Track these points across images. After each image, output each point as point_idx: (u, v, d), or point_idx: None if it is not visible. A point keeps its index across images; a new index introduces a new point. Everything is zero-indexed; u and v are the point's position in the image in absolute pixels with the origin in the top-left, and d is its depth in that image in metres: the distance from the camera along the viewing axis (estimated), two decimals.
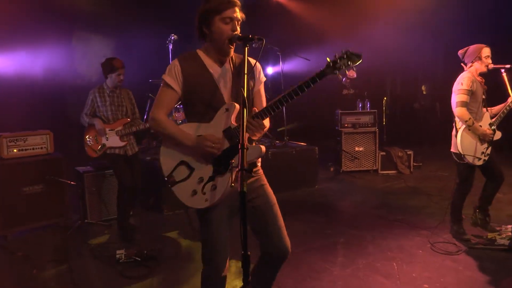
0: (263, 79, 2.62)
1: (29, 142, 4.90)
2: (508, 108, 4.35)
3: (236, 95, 2.43)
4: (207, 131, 2.38)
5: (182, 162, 2.43)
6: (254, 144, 2.44)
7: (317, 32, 9.71)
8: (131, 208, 4.99)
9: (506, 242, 4.18)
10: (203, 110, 2.42)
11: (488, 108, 4.44)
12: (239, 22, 2.38)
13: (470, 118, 4.17)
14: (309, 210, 5.73)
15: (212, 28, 2.35)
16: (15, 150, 4.80)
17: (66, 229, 5.01)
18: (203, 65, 2.44)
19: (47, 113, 6.16)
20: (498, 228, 4.58)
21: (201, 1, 2.43)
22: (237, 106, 2.36)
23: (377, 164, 7.62)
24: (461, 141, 4.24)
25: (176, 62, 2.45)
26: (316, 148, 6.77)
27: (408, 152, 7.57)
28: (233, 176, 2.28)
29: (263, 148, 2.32)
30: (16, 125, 5.18)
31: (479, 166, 4.34)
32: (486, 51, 4.25)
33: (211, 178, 2.35)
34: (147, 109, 6.68)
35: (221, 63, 2.48)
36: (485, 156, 4.29)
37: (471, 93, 4.20)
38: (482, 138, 4.26)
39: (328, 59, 2.22)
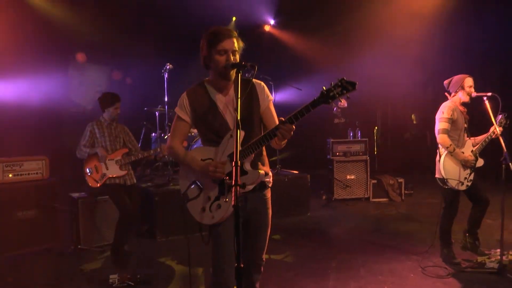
0: (270, 98, 2.75)
1: (25, 167, 4.97)
2: (489, 137, 4.51)
3: (242, 121, 2.46)
4: (216, 155, 2.61)
5: (193, 182, 2.68)
6: (258, 168, 2.61)
7: (308, 62, 10.02)
8: (127, 235, 5.02)
9: (496, 265, 4.24)
10: (211, 136, 2.66)
11: (472, 138, 4.62)
12: (237, 52, 2.55)
13: (451, 145, 4.37)
14: (301, 236, 5.77)
15: (211, 60, 2.56)
16: (10, 175, 4.86)
17: (58, 254, 5.01)
18: (208, 95, 2.66)
19: (45, 139, 6.25)
20: (487, 252, 4.66)
21: (201, 33, 2.62)
22: (241, 133, 2.48)
23: (368, 192, 7.71)
24: (443, 166, 4.42)
25: (184, 95, 2.71)
26: (308, 175, 6.87)
27: (399, 180, 7.68)
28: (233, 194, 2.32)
29: (262, 173, 2.54)
30: (14, 150, 5.25)
31: (463, 191, 4.49)
32: (468, 81, 4.47)
33: (217, 198, 2.59)
34: (141, 137, 6.79)
35: (226, 91, 2.67)
36: (467, 181, 4.44)
37: (451, 121, 4.41)
38: (464, 164, 4.43)
39: (324, 88, 2.30)
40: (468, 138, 4.56)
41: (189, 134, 7.08)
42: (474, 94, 4.48)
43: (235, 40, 2.54)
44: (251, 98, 2.65)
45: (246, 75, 2.67)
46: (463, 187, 4.44)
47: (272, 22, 10.56)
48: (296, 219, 6.57)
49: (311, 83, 9.49)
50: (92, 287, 4.16)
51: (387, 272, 4.34)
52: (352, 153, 7.70)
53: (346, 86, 2.26)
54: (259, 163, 2.66)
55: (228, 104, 2.65)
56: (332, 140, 7.73)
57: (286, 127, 2.36)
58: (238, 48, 2.57)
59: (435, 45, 9.02)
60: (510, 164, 4.13)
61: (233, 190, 1.99)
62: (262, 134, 2.49)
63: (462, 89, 4.45)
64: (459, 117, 4.44)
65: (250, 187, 2.59)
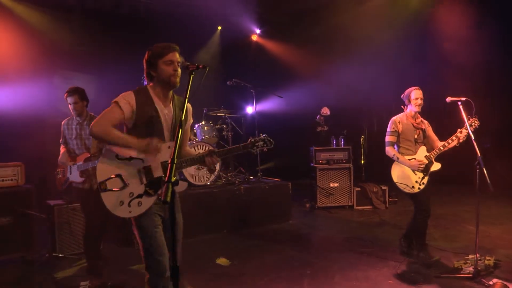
0: (191, 121, 3.16)
1: None
2: (445, 145, 4.65)
3: (173, 133, 2.90)
4: (148, 156, 2.82)
5: (118, 176, 2.80)
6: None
7: (292, 71, 10.07)
8: (99, 241, 4.94)
9: (472, 270, 4.22)
10: (143, 137, 2.80)
11: (442, 142, 4.74)
12: (179, 64, 2.83)
13: (394, 155, 4.74)
14: (279, 243, 5.72)
15: (158, 70, 2.81)
16: None
17: (33, 262, 4.94)
18: (153, 103, 2.86)
19: (22, 145, 6.20)
20: (466, 258, 4.64)
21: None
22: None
23: (352, 199, 7.69)
24: (393, 171, 4.76)
25: (131, 92, 2.86)
26: (289, 183, 6.85)
27: (383, 188, 7.67)
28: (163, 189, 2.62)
29: (186, 184, 2.94)
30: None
31: (409, 196, 4.70)
32: (415, 93, 4.74)
33: (140, 196, 2.79)
34: None
35: (165, 103, 2.91)
36: (420, 184, 4.65)
37: (396, 133, 4.78)
38: (412, 169, 4.66)
39: (250, 138, 3.01)
40: (421, 145, 4.80)
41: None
42: (449, 99, 4.55)
43: (177, 54, 2.84)
44: (184, 116, 2.92)
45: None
46: (415, 190, 4.63)
47: (258, 31, 10.63)
48: (277, 227, 6.53)
49: (297, 91, 9.58)
50: None
51: (362, 278, 4.31)
52: (336, 161, 7.69)
53: (267, 142, 3.03)
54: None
55: (166, 116, 2.90)
56: (315, 148, 7.72)
57: (214, 159, 2.86)
58: (180, 61, 2.86)
59: (415, 54, 9.15)
60: (483, 168, 4.14)
61: (164, 187, 2.04)
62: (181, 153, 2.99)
63: (409, 102, 4.78)
64: (406, 129, 4.76)
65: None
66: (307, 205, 7.81)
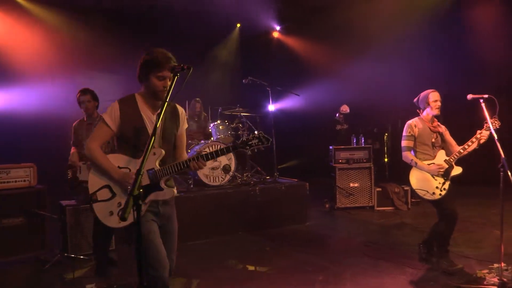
0: (185, 126, 3.04)
1: (11, 174, 4.95)
2: (465, 147, 4.38)
3: (163, 140, 2.83)
4: (134, 166, 2.75)
5: (106, 186, 2.78)
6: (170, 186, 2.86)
7: (313, 67, 9.85)
8: (108, 242, 4.93)
9: (496, 281, 3.93)
10: (130, 147, 2.79)
11: (461, 146, 4.49)
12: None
13: (412, 160, 4.47)
14: (293, 246, 5.54)
15: (149, 81, 2.73)
16: None
17: (45, 262, 4.96)
18: (138, 110, 2.79)
19: (38, 147, 6.29)
20: (490, 266, 4.34)
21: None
22: (163, 152, 2.78)
23: (373, 200, 7.42)
24: (412, 177, 4.49)
25: (116, 104, 2.80)
26: (307, 184, 6.65)
27: (405, 188, 7.36)
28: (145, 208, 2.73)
29: (175, 191, 2.87)
30: (1, 158, 5.26)
31: (431, 202, 4.43)
32: (433, 96, 4.49)
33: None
34: None
35: (154, 110, 2.83)
36: (441, 190, 4.36)
37: (413, 138, 4.53)
38: (432, 174, 4.40)
39: (242, 137, 2.79)
40: (439, 149, 4.55)
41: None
42: (470, 96, 4.27)
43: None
44: (174, 121, 2.90)
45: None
46: (436, 196, 4.35)
47: (278, 28, 10.44)
48: (292, 229, 6.35)
49: (315, 89, 9.35)
50: None
51: (374, 286, 4.10)
52: (356, 160, 7.44)
53: (262, 140, 2.76)
54: (169, 179, 2.88)
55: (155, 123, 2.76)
56: (334, 147, 7.49)
57: (200, 162, 2.71)
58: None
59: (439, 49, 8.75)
60: (508, 171, 3.84)
61: (125, 201, 2.04)
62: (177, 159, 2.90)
63: (428, 105, 4.52)
64: (423, 133, 4.52)
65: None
66: (327, 206, 7.60)
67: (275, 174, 6.82)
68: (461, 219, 6.35)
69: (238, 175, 6.64)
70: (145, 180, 2.73)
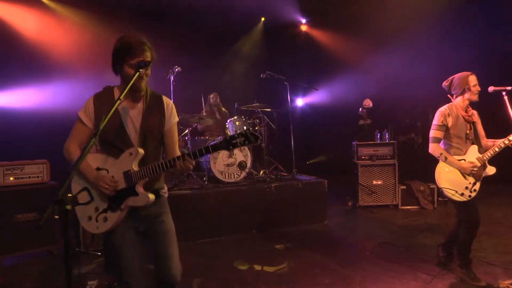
0: (175, 120, 2.71)
1: (25, 170, 5.07)
2: (501, 146, 3.88)
3: (144, 137, 2.57)
4: (112, 167, 2.54)
5: (85, 189, 2.60)
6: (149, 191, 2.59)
7: (337, 61, 9.55)
8: None
9: None
10: (109, 147, 2.57)
11: (491, 140, 4.06)
12: (150, 63, 2.48)
13: (441, 154, 3.98)
14: (307, 246, 5.35)
15: (123, 70, 2.49)
16: (11, 178, 4.97)
17: (59, 257, 5.07)
18: (113, 104, 2.45)
19: (51, 143, 6.43)
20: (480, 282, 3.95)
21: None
22: (141, 152, 2.52)
23: (397, 198, 7.07)
24: (439, 174, 4.02)
25: (91, 99, 2.60)
26: (325, 181, 6.42)
27: (431, 186, 6.95)
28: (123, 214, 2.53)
29: (151, 197, 2.53)
30: (15, 154, 5.38)
31: (455, 203, 3.98)
32: (472, 79, 3.97)
33: (105, 211, 2.54)
34: None
35: (133, 103, 2.59)
36: (470, 191, 3.91)
37: (444, 128, 4.01)
38: (463, 172, 3.92)
39: (228, 133, 2.37)
40: (471, 144, 4.03)
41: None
42: (491, 88, 3.93)
43: (148, 54, 2.49)
44: (158, 115, 2.61)
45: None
46: (465, 198, 3.89)
47: (303, 21, 10.17)
48: (309, 228, 6.15)
49: (339, 83, 9.05)
50: None
51: None
52: (379, 157, 7.10)
53: (250, 138, 2.30)
54: (155, 181, 2.65)
55: (134, 118, 2.57)
56: (356, 143, 7.18)
57: (187, 161, 2.41)
58: (152, 59, 2.51)
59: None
60: None
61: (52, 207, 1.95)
62: (162, 157, 2.63)
63: (469, 90, 3.96)
64: (458, 123, 3.99)
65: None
66: (349, 203, 7.32)
67: (294, 170, 6.63)
68: (490, 221, 6.02)
69: (254, 172, 6.50)
70: (122, 184, 2.51)
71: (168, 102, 2.69)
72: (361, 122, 7.36)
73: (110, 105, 2.40)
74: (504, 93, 3.83)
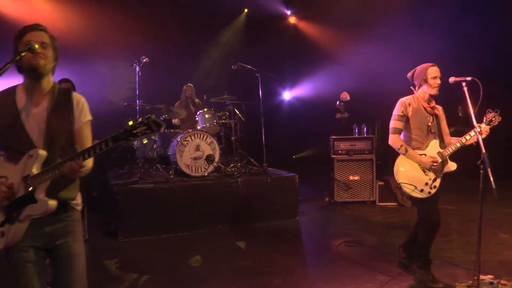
0: (85, 119, 2.40)
1: None
2: (462, 141, 3.68)
3: (50, 138, 2.27)
4: (12, 173, 2.24)
5: None
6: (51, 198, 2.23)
7: (319, 53, 9.34)
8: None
9: None
10: (11, 152, 2.29)
11: (454, 138, 3.84)
12: (48, 45, 2.27)
13: (402, 146, 3.71)
14: (271, 243, 5.17)
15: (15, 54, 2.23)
16: None
17: None
18: (14, 104, 2.27)
19: None
20: (475, 278, 3.75)
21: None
22: (42, 153, 2.22)
23: (374, 194, 6.85)
24: (396, 168, 3.73)
25: None
26: (296, 176, 6.22)
27: None
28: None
29: (51, 204, 2.18)
30: None
31: (414, 201, 3.76)
32: (432, 71, 3.72)
33: (2, 224, 2.20)
34: None
35: (37, 101, 2.30)
36: (430, 187, 3.67)
37: (405, 118, 3.77)
38: (423, 167, 3.68)
39: (130, 123, 2.08)
40: (435, 138, 3.78)
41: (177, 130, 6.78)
42: (452, 79, 3.64)
43: (44, 34, 2.27)
44: (65, 113, 2.33)
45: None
46: (424, 194, 3.65)
47: (288, 12, 9.95)
48: (279, 224, 5.95)
49: (320, 75, 8.84)
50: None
51: None
52: (356, 152, 6.88)
53: (152, 126, 2.04)
54: (62, 188, 2.29)
55: (37, 117, 2.27)
56: (333, 137, 6.96)
57: (76, 163, 2.11)
58: (52, 43, 2.29)
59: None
60: (489, 169, 3.25)
61: None
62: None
63: (426, 82, 3.74)
64: (420, 114, 3.75)
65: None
66: (326, 199, 7.12)
67: (264, 165, 6.43)
68: (467, 219, 5.77)
69: (222, 166, 6.31)
70: (21, 191, 2.19)
71: (79, 99, 2.42)
72: (338, 115, 7.13)
73: (9, 106, 2.23)
74: (464, 83, 3.56)
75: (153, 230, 5.41)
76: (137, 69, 5.92)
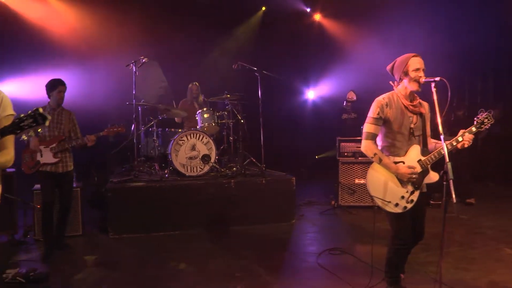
0: (5, 113, 2.42)
1: None
2: (448, 147, 3.11)
3: None
4: None
5: None
6: None
7: (348, 51, 8.98)
8: (63, 226, 5.03)
9: None
10: None
11: (435, 141, 3.41)
12: None
13: (375, 154, 3.26)
14: (252, 247, 5.03)
15: None
16: None
17: (11, 244, 5.23)
18: None
19: None
20: None
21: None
22: None
23: None
24: (368, 179, 3.31)
25: None
26: (293, 178, 6.03)
27: None
28: None
29: None
30: None
31: (393, 214, 3.27)
32: (414, 61, 3.21)
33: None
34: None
35: None
36: (407, 202, 3.23)
37: (381, 122, 3.27)
38: (400, 178, 3.23)
39: (21, 115, 2.14)
40: (417, 143, 3.32)
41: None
42: (422, 79, 3.18)
43: None
44: None
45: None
46: (398, 209, 3.22)
47: (308, 10, 9.70)
48: (271, 227, 5.80)
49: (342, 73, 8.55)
50: None
51: None
52: (363, 154, 6.49)
53: (37, 119, 2.11)
54: None
55: None
56: (339, 138, 6.67)
57: None
58: None
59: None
60: (450, 180, 2.93)
61: None
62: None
63: (406, 75, 3.22)
64: (398, 115, 3.27)
65: None
66: (332, 202, 6.86)
67: (261, 166, 6.29)
68: (473, 231, 5.28)
69: (216, 166, 6.26)
70: None
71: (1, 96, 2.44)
72: (345, 116, 6.82)
73: None
74: (433, 84, 3.15)
75: (142, 228, 5.49)
76: (134, 68, 6.00)
